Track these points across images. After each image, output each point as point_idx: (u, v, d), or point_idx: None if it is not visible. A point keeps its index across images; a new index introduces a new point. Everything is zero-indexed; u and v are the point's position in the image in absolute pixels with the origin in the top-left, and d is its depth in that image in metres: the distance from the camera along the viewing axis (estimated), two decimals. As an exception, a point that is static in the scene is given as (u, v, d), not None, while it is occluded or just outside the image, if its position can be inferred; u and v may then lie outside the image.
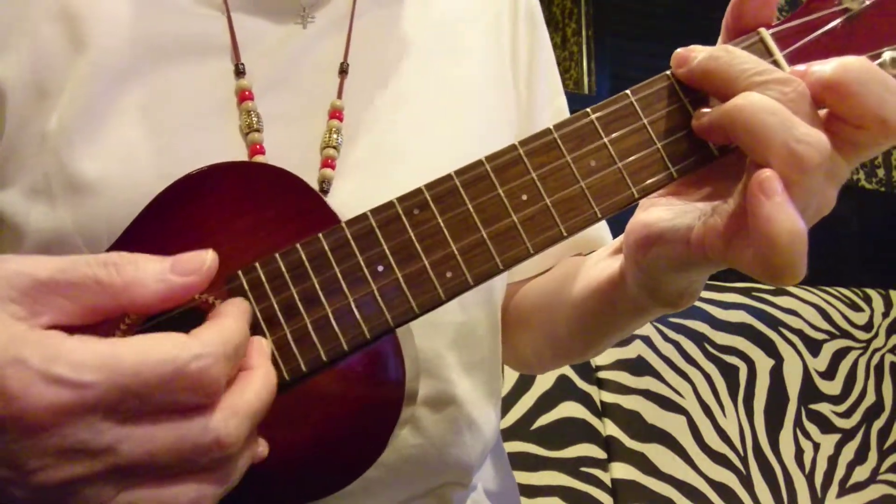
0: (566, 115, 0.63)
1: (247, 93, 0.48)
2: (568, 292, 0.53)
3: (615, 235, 0.61)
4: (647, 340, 1.33)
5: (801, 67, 0.35)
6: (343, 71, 0.52)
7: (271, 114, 0.48)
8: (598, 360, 1.32)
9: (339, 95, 0.51)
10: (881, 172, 2.32)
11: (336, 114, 0.50)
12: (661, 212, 0.39)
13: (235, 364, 0.31)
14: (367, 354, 0.36)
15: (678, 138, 0.37)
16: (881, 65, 0.37)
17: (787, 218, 0.31)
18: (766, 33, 0.38)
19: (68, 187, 0.43)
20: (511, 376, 1.22)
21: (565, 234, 0.36)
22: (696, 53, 0.36)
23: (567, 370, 1.26)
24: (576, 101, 0.81)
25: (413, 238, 0.36)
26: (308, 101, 0.50)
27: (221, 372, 0.30)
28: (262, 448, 0.34)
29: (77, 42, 0.46)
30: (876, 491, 1.40)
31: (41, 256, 0.30)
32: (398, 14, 0.56)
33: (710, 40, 0.40)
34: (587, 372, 1.29)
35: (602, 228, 0.64)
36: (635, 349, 1.32)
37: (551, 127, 0.37)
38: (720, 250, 0.35)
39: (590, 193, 0.36)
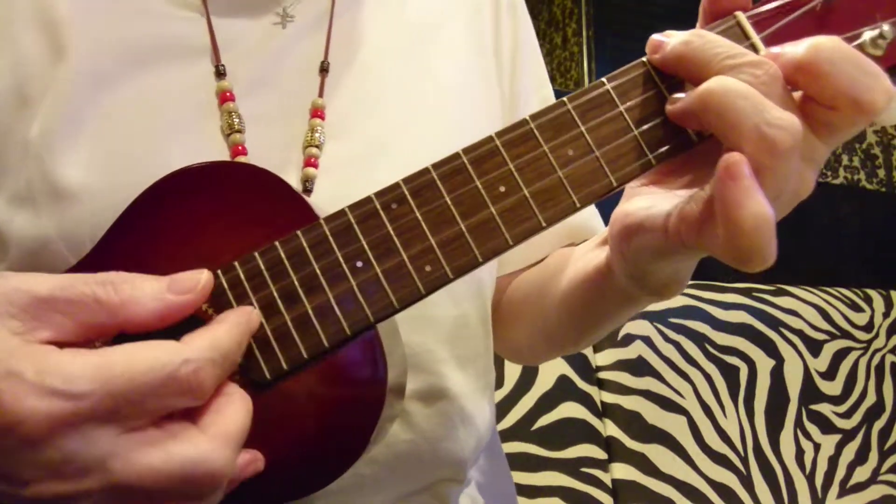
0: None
1: (227, 94, 0.48)
2: (557, 283, 0.53)
3: (606, 224, 0.61)
4: (647, 341, 1.33)
5: (775, 49, 0.35)
6: (324, 69, 0.52)
7: (253, 114, 0.48)
8: (598, 361, 1.32)
9: (321, 94, 0.51)
10: (881, 173, 2.31)
11: (318, 112, 0.50)
12: (641, 201, 0.39)
13: (224, 370, 0.32)
14: (348, 351, 0.36)
15: (655, 125, 0.37)
16: (861, 45, 0.37)
17: (753, 203, 0.31)
18: (742, 16, 0.37)
19: (51, 194, 0.43)
20: (511, 377, 1.22)
21: (544, 224, 0.36)
22: (670, 39, 0.36)
23: (567, 370, 1.26)
24: (576, 101, 0.80)
25: (391, 232, 0.36)
26: (289, 101, 0.50)
27: (210, 376, 0.30)
28: (258, 463, 0.34)
29: (57, 48, 0.46)
30: (876, 491, 1.40)
31: (41, 274, 0.30)
32: (378, 12, 0.56)
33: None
34: (587, 372, 1.29)
35: (594, 218, 0.64)
36: (636, 349, 1.32)
37: (528, 117, 0.37)
38: (694, 237, 0.35)
39: (568, 183, 0.36)
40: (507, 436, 1.17)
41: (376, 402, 0.37)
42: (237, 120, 0.47)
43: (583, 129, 0.37)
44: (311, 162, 0.48)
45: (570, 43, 2.54)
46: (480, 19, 0.61)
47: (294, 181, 0.48)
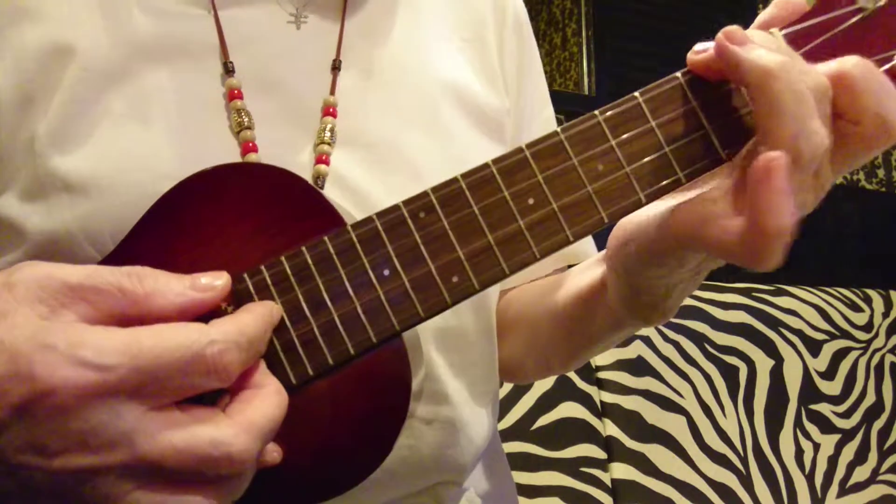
0: (554, 125, 0.64)
1: (236, 91, 0.48)
2: (551, 300, 0.53)
3: (603, 243, 0.62)
4: (647, 340, 1.33)
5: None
6: (336, 68, 0.52)
7: (263, 112, 0.48)
8: (598, 361, 1.32)
9: (332, 92, 0.51)
10: (881, 173, 2.31)
11: (330, 110, 0.50)
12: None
13: (250, 356, 0.32)
14: (374, 356, 0.36)
15: (687, 142, 0.36)
16: (894, 67, 0.37)
17: (784, 211, 0.32)
18: (778, 34, 0.37)
19: (62, 189, 0.44)
20: (511, 376, 1.22)
21: (572, 238, 0.36)
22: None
23: (567, 370, 1.26)
24: (576, 101, 0.80)
25: (419, 241, 0.35)
26: (300, 99, 0.50)
27: (236, 359, 0.31)
28: (275, 454, 0.35)
29: (64, 47, 0.46)
30: (876, 491, 1.40)
31: (68, 264, 0.31)
32: (391, 11, 0.56)
33: (709, 40, 0.40)
34: (587, 372, 1.29)
35: (588, 242, 0.64)
36: (635, 349, 1.32)
37: (558, 129, 0.36)
38: (693, 234, 0.35)
39: (597, 198, 0.36)
40: (506, 436, 1.17)
41: (401, 407, 0.37)
42: (246, 117, 0.47)
43: (613, 143, 0.36)
44: (322, 159, 0.48)
45: (570, 43, 2.54)
46: (485, 32, 0.61)
47: (306, 179, 0.48)
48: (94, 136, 0.45)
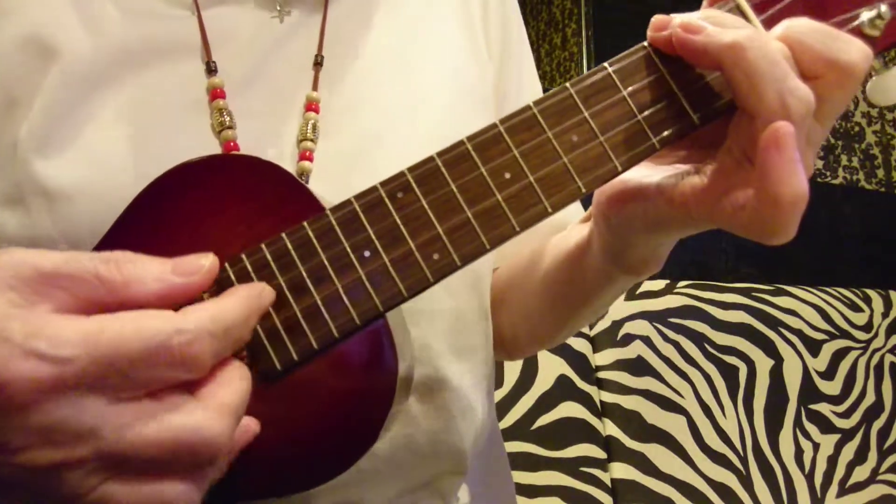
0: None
1: (218, 91, 0.48)
2: (539, 266, 0.53)
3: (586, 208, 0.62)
4: (646, 340, 1.34)
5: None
6: (318, 63, 0.52)
7: (245, 110, 0.48)
8: (597, 361, 1.32)
9: (315, 87, 0.51)
10: (881, 173, 2.32)
11: (312, 106, 0.50)
12: (636, 169, 0.39)
13: (226, 344, 0.31)
14: (358, 341, 0.36)
15: (658, 109, 0.37)
16: (859, 26, 0.37)
17: (796, 179, 0.32)
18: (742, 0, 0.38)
19: (41, 195, 0.43)
20: (511, 377, 1.22)
21: (550, 210, 0.36)
22: (676, 17, 0.36)
23: (567, 370, 1.26)
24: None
25: (398, 221, 0.36)
26: (282, 95, 0.50)
27: (206, 349, 0.30)
28: (252, 426, 0.34)
29: (47, 50, 0.46)
30: (876, 491, 1.40)
31: (47, 250, 0.30)
32: (372, 5, 0.56)
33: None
34: (587, 372, 1.29)
35: (576, 211, 0.64)
36: (635, 349, 1.32)
37: (531, 103, 0.37)
38: (705, 210, 0.35)
39: (573, 169, 0.36)
40: (506, 435, 1.17)
41: (387, 392, 0.37)
42: (227, 117, 0.47)
43: (586, 114, 0.37)
44: (305, 155, 0.48)
45: (570, 43, 2.54)
46: (469, 11, 0.61)
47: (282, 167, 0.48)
48: (75, 141, 0.44)
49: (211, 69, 0.48)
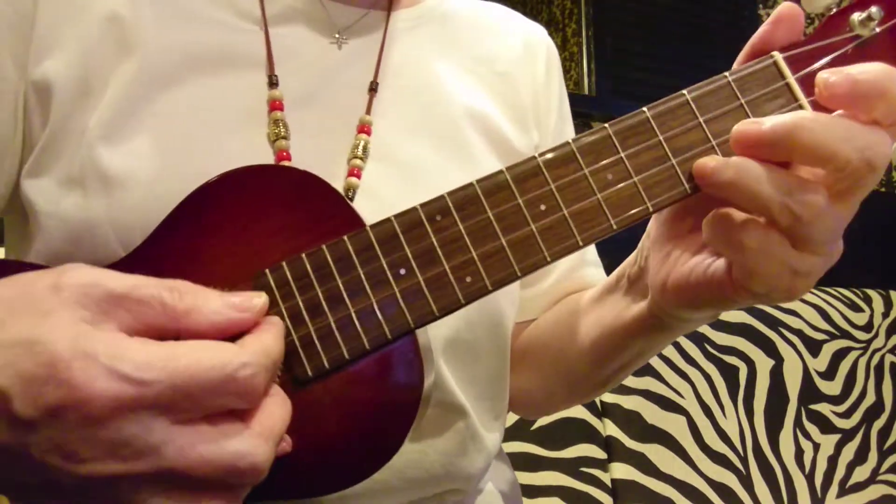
0: None
1: (277, 103, 0.50)
2: (582, 333, 0.54)
3: (612, 254, 0.62)
4: (647, 340, 1.33)
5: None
6: (373, 89, 0.54)
7: (300, 124, 0.50)
8: (598, 361, 1.32)
9: (368, 111, 0.53)
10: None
11: (364, 128, 0.52)
12: (684, 261, 0.42)
13: (274, 375, 0.34)
14: (388, 354, 0.38)
15: (693, 156, 0.38)
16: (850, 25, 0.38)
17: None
18: (779, 56, 0.39)
19: (101, 179, 0.45)
20: (511, 376, 1.22)
21: (581, 244, 0.38)
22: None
23: (567, 370, 1.26)
24: (576, 101, 0.81)
25: (434, 243, 0.37)
26: (337, 115, 0.53)
27: (263, 381, 0.32)
28: (285, 444, 0.36)
29: (124, 46, 0.48)
30: (876, 491, 1.40)
31: (114, 272, 0.32)
32: (428, 42, 0.59)
33: (708, 40, 0.40)
34: (587, 372, 1.29)
35: (596, 268, 0.67)
36: (635, 349, 1.32)
37: (570, 140, 0.38)
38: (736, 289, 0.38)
39: (606, 206, 0.38)
40: (506, 436, 1.17)
41: (412, 405, 0.38)
42: (283, 128, 0.49)
43: (622, 154, 0.38)
44: (354, 173, 0.50)
45: (570, 43, 2.54)
46: (517, 69, 0.63)
47: (326, 181, 0.49)
48: (139, 134, 0.47)
49: (273, 82, 0.51)
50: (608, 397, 1.28)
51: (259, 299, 0.35)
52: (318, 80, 0.53)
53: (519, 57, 0.64)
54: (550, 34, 0.70)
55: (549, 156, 0.38)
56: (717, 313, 0.44)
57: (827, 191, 0.35)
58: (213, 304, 0.33)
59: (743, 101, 0.38)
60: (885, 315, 1.59)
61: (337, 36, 0.56)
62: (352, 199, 0.49)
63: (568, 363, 0.57)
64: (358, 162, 0.51)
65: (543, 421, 1.21)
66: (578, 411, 1.24)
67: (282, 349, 0.34)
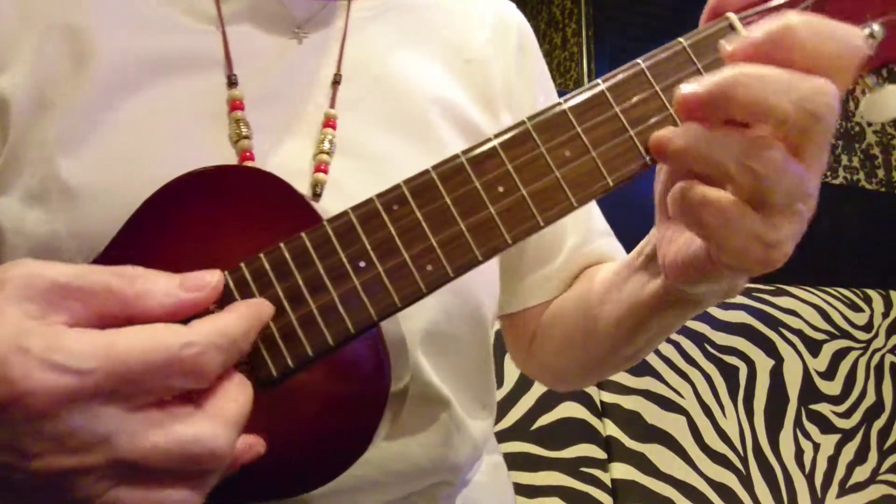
0: None
1: (237, 102, 0.49)
2: (606, 310, 0.54)
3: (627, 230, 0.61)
4: (647, 341, 1.33)
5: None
6: (336, 82, 0.54)
7: (263, 123, 0.49)
8: (598, 361, 1.32)
9: (332, 105, 0.53)
10: (881, 173, 2.32)
11: (329, 122, 0.51)
12: (677, 239, 0.41)
13: (229, 356, 0.32)
14: (352, 349, 0.37)
15: (651, 126, 0.37)
16: None
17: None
18: (734, 18, 0.38)
19: (63, 192, 0.45)
20: (511, 377, 1.22)
21: (542, 224, 0.37)
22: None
23: (567, 370, 1.26)
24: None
25: (393, 233, 0.36)
26: (301, 112, 0.52)
27: (213, 360, 0.31)
28: (259, 447, 0.35)
29: (79, 55, 0.48)
30: (876, 491, 1.40)
31: (59, 263, 0.31)
32: (391, 32, 0.58)
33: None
34: (587, 372, 1.29)
35: (610, 241, 0.66)
36: (635, 349, 1.32)
37: (525, 119, 0.37)
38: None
39: (565, 183, 0.37)
40: (506, 436, 1.18)
41: (379, 399, 0.37)
42: (245, 128, 0.48)
43: (579, 129, 0.37)
44: (321, 168, 0.50)
45: (570, 43, 2.54)
46: (487, 54, 0.62)
47: (304, 186, 0.49)
48: (99, 144, 0.46)
49: (232, 82, 0.50)
50: (608, 397, 1.28)
51: (212, 277, 0.34)
52: (279, 77, 0.52)
53: (489, 40, 0.62)
54: (550, 34, 0.70)
55: (505, 136, 0.37)
56: (729, 287, 0.42)
57: (783, 146, 0.34)
58: (163, 286, 0.32)
59: (700, 66, 0.38)
60: (885, 315, 1.59)
61: (296, 30, 0.54)
62: (320, 196, 0.49)
63: (596, 339, 0.56)
64: (324, 157, 0.50)
65: (543, 421, 1.21)
66: (578, 411, 1.24)
67: (243, 329, 0.33)
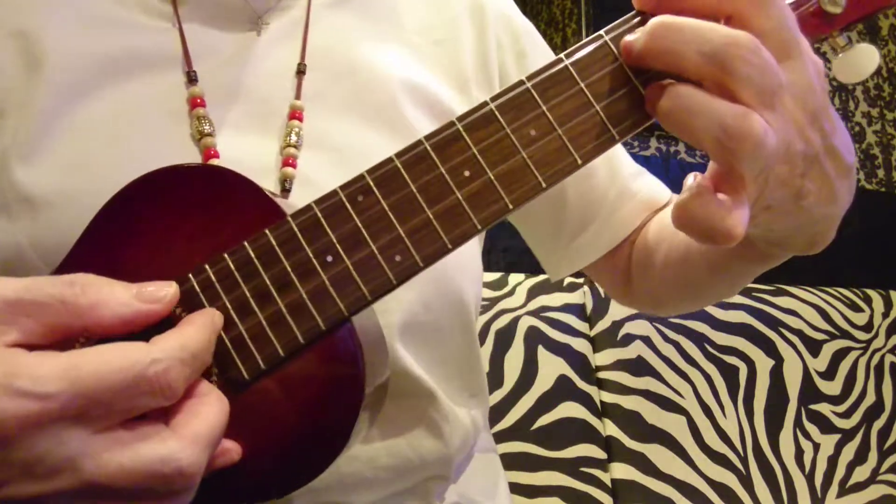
0: None
1: (198, 100, 0.48)
2: (693, 250, 0.53)
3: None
4: (646, 340, 1.33)
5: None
6: (300, 72, 0.52)
7: (226, 119, 0.48)
8: (597, 361, 1.32)
9: (298, 96, 0.51)
10: (881, 173, 2.31)
11: (296, 114, 0.50)
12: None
13: (194, 370, 0.32)
14: (325, 346, 0.36)
15: (616, 99, 0.36)
16: (820, 2, 0.38)
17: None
18: None
19: (23, 202, 0.43)
20: (511, 377, 1.22)
21: (511, 206, 0.36)
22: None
23: (567, 370, 1.26)
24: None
25: (359, 225, 0.36)
26: (265, 105, 0.50)
27: (179, 376, 0.30)
28: (234, 453, 0.34)
29: (32, 60, 0.46)
30: (876, 491, 1.40)
31: (7, 278, 0.30)
32: (355, 17, 0.57)
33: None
34: (587, 372, 1.29)
35: (644, 176, 0.65)
36: (635, 349, 1.32)
37: (488, 99, 0.36)
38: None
39: (532, 163, 0.36)
40: (506, 436, 1.18)
41: (354, 396, 0.36)
42: (207, 125, 0.47)
43: (544, 108, 0.36)
44: (289, 162, 0.48)
45: (570, 43, 2.54)
46: (461, 34, 0.60)
47: (272, 182, 0.48)
48: (57, 150, 0.45)
49: (191, 79, 0.49)
50: (608, 397, 1.28)
51: (169, 289, 0.33)
52: (241, 71, 0.51)
53: (459, 16, 0.61)
54: (550, 34, 0.70)
55: (469, 119, 0.36)
56: (802, 241, 0.42)
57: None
58: (118, 296, 0.31)
59: None
60: (885, 315, 1.58)
61: (256, 22, 0.53)
62: (289, 190, 0.48)
63: (696, 277, 0.56)
64: (292, 150, 0.49)
65: (543, 421, 1.20)
66: (578, 411, 1.24)
67: (204, 341, 0.32)
